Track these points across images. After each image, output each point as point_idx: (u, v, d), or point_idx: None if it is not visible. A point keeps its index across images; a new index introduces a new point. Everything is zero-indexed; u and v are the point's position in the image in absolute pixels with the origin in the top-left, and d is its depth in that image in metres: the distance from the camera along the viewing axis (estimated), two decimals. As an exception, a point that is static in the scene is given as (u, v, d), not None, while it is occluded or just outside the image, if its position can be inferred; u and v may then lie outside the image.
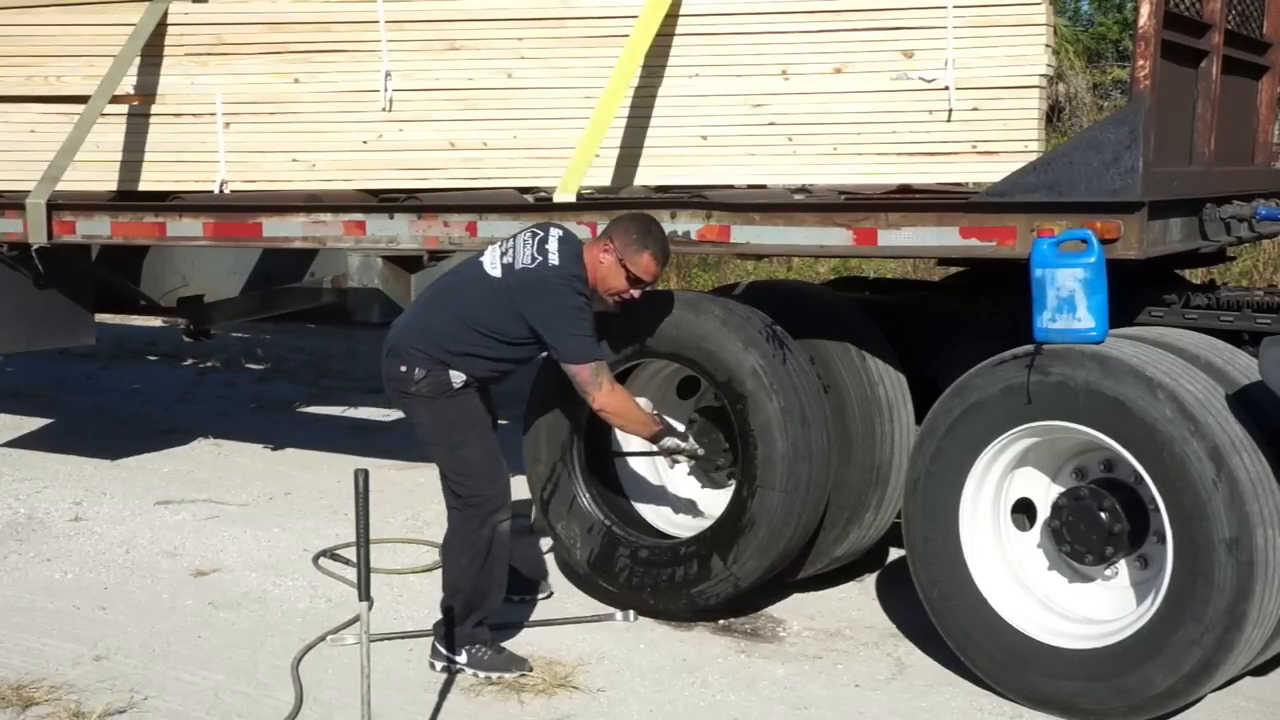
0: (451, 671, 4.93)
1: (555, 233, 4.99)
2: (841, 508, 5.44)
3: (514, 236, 5.03)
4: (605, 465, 5.69)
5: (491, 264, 4.96)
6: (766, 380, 5.14)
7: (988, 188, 4.86)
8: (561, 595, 5.79)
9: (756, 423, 5.15)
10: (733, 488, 5.44)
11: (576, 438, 5.54)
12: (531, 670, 4.94)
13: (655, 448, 5.23)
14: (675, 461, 5.39)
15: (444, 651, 4.97)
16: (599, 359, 4.94)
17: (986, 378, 4.72)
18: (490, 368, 4.97)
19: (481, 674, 4.91)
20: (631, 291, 4.99)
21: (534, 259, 4.88)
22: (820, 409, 5.27)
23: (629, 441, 5.61)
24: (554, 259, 4.87)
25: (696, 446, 5.29)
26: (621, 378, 5.52)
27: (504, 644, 5.09)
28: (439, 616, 5.00)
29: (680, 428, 5.46)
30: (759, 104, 5.28)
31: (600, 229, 5.16)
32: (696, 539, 5.37)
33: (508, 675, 4.90)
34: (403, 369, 4.93)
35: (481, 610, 4.98)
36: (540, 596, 5.71)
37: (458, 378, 4.91)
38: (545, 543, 6.16)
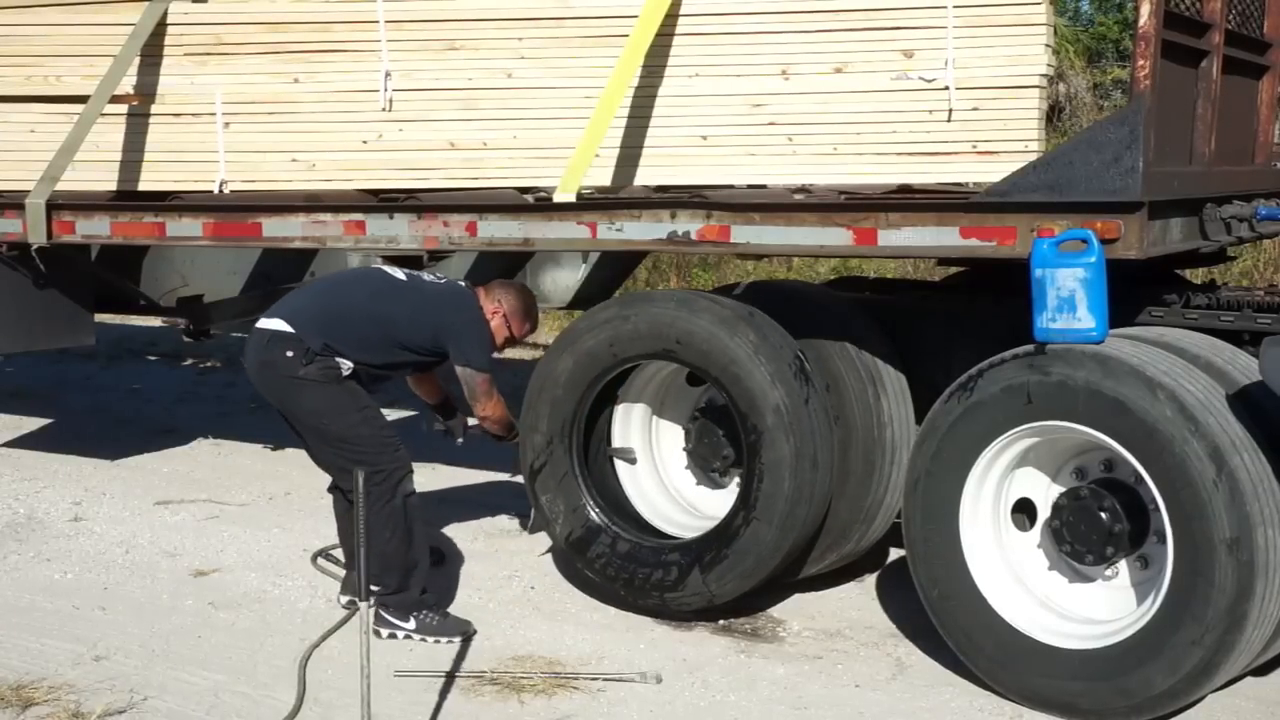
0: (398, 638, 5.15)
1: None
2: (826, 534, 5.40)
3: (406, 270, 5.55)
4: (601, 452, 5.68)
5: (394, 272, 5.47)
6: (787, 420, 5.09)
7: (988, 188, 4.86)
8: (561, 595, 5.80)
9: (768, 459, 5.11)
10: (729, 490, 5.42)
11: (580, 417, 5.52)
12: (475, 631, 5.21)
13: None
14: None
15: (392, 620, 5.18)
16: (492, 373, 5.36)
17: (986, 378, 4.72)
18: (373, 369, 5.32)
19: (430, 639, 5.15)
20: (502, 347, 5.56)
21: (441, 278, 5.53)
22: (830, 452, 5.24)
23: (625, 437, 5.69)
24: (461, 283, 5.55)
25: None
26: (627, 372, 5.54)
27: (499, 641, 5.11)
28: (375, 591, 5.04)
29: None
30: (759, 104, 5.28)
31: (594, 226, 5.36)
32: (681, 547, 5.36)
33: (457, 639, 5.11)
34: (289, 354, 5.18)
35: (418, 575, 5.26)
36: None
37: (346, 365, 5.21)
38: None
